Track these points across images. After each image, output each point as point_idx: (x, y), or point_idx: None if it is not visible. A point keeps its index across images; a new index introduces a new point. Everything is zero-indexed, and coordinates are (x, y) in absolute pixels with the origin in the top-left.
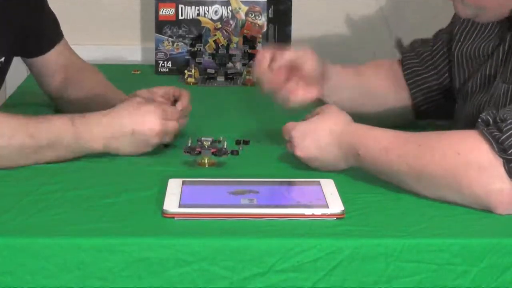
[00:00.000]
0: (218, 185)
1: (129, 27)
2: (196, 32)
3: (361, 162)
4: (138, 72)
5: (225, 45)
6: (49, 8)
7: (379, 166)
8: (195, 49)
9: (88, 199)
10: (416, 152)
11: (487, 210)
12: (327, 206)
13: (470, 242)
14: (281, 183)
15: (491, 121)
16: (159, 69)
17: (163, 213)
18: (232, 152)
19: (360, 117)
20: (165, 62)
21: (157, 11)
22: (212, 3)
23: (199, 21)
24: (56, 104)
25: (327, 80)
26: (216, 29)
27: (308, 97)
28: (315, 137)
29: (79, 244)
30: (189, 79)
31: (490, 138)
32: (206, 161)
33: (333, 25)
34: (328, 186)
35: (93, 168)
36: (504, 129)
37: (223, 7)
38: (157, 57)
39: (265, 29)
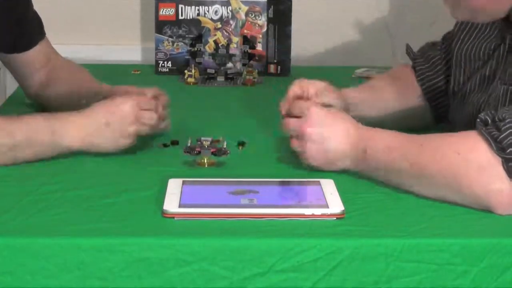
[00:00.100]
0: (218, 185)
1: (129, 27)
2: (196, 32)
3: (366, 162)
4: (138, 72)
5: (225, 45)
6: (32, 6)
7: (382, 165)
8: (195, 49)
9: (88, 199)
10: (418, 152)
11: (487, 210)
12: (327, 206)
13: (470, 242)
14: (281, 183)
15: (489, 121)
16: (159, 69)
17: (163, 213)
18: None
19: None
20: (165, 62)
21: (157, 11)
22: (212, 3)
23: (199, 21)
24: (38, 104)
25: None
26: (216, 29)
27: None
28: (329, 146)
29: (79, 244)
30: (189, 79)
31: (489, 138)
32: (205, 161)
33: (333, 25)
34: (328, 186)
35: (93, 168)
36: (503, 128)
37: (223, 7)
38: (157, 57)
39: (265, 29)
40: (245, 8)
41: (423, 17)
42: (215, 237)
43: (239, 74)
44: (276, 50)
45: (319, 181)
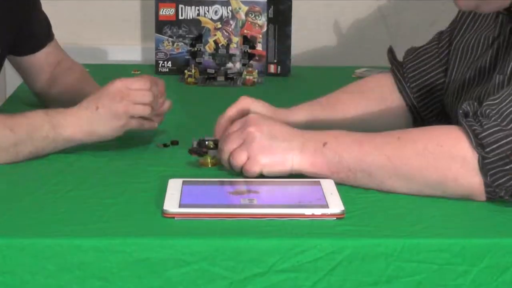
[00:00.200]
0: (218, 185)
1: (129, 27)
2: (196, 32)
3: (325, 156)
4: (138, 72)
5: (225, 45)
6: (41, 8)
7: (347, 158)
8: (195, 49)
9: (88, 199)
10: (396, 145)
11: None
12: (327, 206)
13: (470, 242)
14: (281, 183)
15: (470, 113)
16: (159, 69)
17: (163, 213)
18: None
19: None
20: (165, 62)
21: (157, 11)
22: (212, 3)
23: (199, 21)
24: (41, 101)
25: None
26: (216, 29)
27: None
28: (275, 140)
29: (79, 244)
30: (189, 79)
31: (469, 132)
32: (209, 161)
33: (333, 25)
34: (328, 186)
35: (93, 168)
36: (485, 126)
37: (223, 7)
38: (157, 57)
39: (265, 29)
40: (245, 8)
41: (423, 17)
42: (215, 237)
43: (239, 74)
44: (276, 50)
45: (319, 181)
